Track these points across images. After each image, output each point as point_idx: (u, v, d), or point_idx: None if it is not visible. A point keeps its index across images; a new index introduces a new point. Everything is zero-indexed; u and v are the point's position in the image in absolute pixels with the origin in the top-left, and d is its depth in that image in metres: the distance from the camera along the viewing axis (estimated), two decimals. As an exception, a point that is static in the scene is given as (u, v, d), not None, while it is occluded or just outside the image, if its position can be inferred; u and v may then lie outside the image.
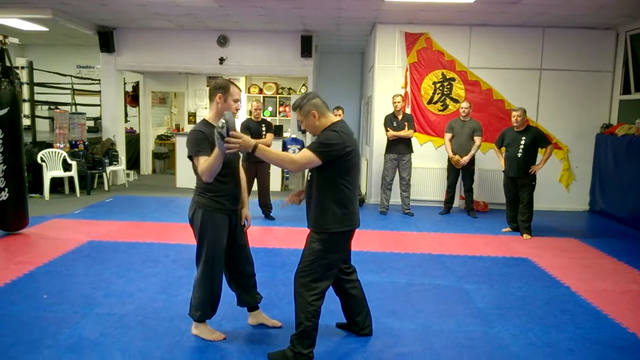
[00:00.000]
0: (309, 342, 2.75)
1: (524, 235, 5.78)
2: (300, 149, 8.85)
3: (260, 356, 2.84)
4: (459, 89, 7.45)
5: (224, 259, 2.98)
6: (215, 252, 2.89)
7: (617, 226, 6.61)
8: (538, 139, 5.71)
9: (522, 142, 5.68)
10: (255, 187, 6.35)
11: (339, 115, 6.57)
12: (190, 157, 2.81)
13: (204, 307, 2.96)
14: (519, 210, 5.84)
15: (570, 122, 7.45)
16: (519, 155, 5.69)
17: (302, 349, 2.73)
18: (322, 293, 2.76)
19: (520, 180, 5.74)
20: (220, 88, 2.89)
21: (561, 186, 7.57)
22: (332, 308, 3.30)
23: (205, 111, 11.44)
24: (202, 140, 2.77)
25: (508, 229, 6.07)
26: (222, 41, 8.47)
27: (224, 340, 3.01)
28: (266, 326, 3.22)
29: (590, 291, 4.05)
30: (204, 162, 2.71)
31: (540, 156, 5.81)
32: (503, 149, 6.00)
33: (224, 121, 2.53)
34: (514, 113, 5.77)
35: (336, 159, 2.64)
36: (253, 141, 2.67)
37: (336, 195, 2.69)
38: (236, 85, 2.96)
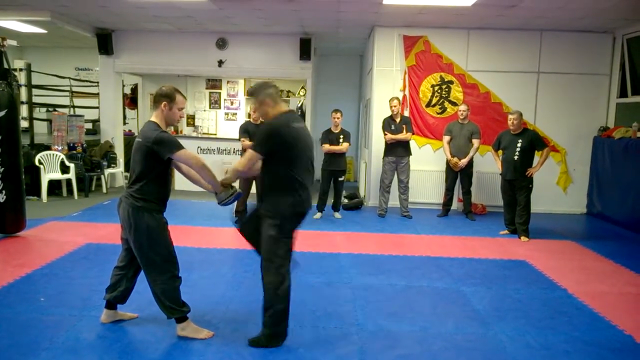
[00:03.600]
0: (282, 320, 2.95)
1: (522, 237, 5.79)
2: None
3: (258, 359, 2.84)
4: (457, 92, 7.47)
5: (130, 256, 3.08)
6: (170, 251, 2.97)
7: (615, 229, 6.62)
8: (535, 142, 5.73)
9: (519, 145, 5.71)
10: (253, 189, 6.34)
11: (337, 118, 6.59)
12: (169, 157, 2.87)
13: (175, 307, 2.98)
14: (516, 213, 5.85)
15: (568, 125, 7.48)
16: (516, 158, 5.71)
17: (276, 328, 2.95)
18: (284, 274, 2.92)
19: (517, 182, 5.76)
20: (166, 96, 2.96)
21: (559, 189, 7.59)
22: (330, 310, 3.31)
23: (204, 113, 11.45)
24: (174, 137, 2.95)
25: (506, 231, 6.08)
26: (221, 44, 8.48)
27: (221, 343, 3.01)
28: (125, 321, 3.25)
29: (588, 293, 4.06)
30: (193, 155, 2.93)
31: (537, 159, 5.83)
32: (500, 152, 6.02)
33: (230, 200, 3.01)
34: (510, 116, 5.79)
35: (273, 150, 2.84)
36: (218, 182, 2.99)
37: (282, 183, 2.87)
38: (182, 95, 3.04)
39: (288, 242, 2.93)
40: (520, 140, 5.72)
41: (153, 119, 2.99)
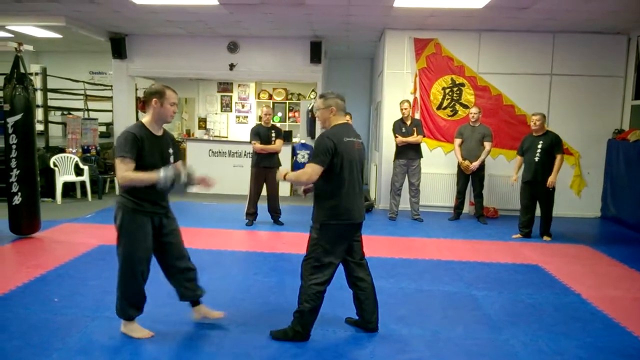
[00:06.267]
0: (306, 323, 3.04)
1: (544, 237, 5.95)
2: (309, 154, 8.86)
3: (266, 358, 2.85)
4: (468, 95, 7.43)
5: (157, 260, 3.09)
6: (133, 252, 2.93)
7: (629, 233, 6.53)
8: (554, 144, 5.75)
9: (540, 146, 5.75)
10: (264, 192, 6.37)
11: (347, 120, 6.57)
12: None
13: (124, 305, 3.00)
14: (541, 216, 5.95)
15: (582, 127, 7.39)
16: (536, 159, 5.75)
17: (300, 328, 3.04)
18: (322, 279, 3.00)
19: (537, 186, 5.80)
20: (156, 93, 2.92)
21: (572, 192, 7.50)
22: (340, 314, 3.31)
23: (216, 117, 11.54)
24: (132, 143, 2.81)
25: (518, 235, 6.05)
26: (232, 47, 8.53)
27: (232, 345, 3.02)
28: (208, 319, 3.29)
29: (602, 299, 4.00)
30: (127, 170, 2.78)
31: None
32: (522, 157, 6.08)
33: (185, 179, 2.87)
34: (533, 117, 5.85)
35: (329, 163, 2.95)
36: (284, 171, 3.17)
37: (327, 190, 2.99)
38: (172, 90, 2.99)
39: (329, 249, 2.99)
40: (541, 142, 5.75)
41: (142, 119, 2.97)
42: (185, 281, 3.20)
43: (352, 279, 3.24)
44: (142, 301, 3.07)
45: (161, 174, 2.76)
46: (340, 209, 2.98)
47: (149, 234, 2.96)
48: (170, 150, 3.04)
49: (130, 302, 3.02)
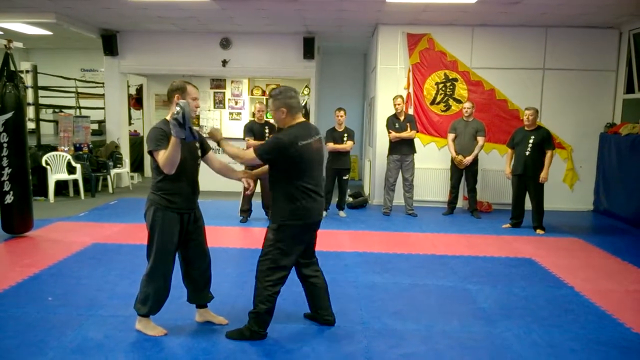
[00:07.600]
0: (263, 323, 3.02)
1: (537, 230, 5.99)
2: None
3: (263, 357, 2.84)
4: (461, 90, 7.45)
5: (180, 256, 3.09)
6: (165, 249, 2.95)
7: (622, 226, 6.58)
8: (544, 140, 5.82)
9: (531, 141, 5.83)
10: (258, 188, 6.35)
11: (341, 116, 6.58)
12: (150, 153, 2.91)
13: (150, 302, 3.01)
14: (532, 208, 6.02)
15: (574, 121, 7.43)
16: (527, 153, 5.83)
17: (257, 328, 3.02)
18: (277, 280, 2.96)
19: (527, 179, 5.89)
20: (177, 89, 2.98)
21: (565, 186, 7.55)
22: (335, 309, 3.32)
23: (209, 113, 11.48)
24: (162, 136, 2.87)
25: (508, 225, 6.20)
26: (225, 43, 8.49)
27: (228, 341, 3.02)
28: (213, 323, 3.27)
29: (595, 291, 4.03)
30: (163, 154, 2.81)
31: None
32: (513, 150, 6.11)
33: (179, 108, 2.65)
34: (526, 112, 5.92)
35: (277, 161, 2.91)
36: (220, 136, 3.22)
37: (285, 192, 2.93)
38: (193, 85, 3.05)
39: (286, 250, 2.95)
40: (532, 137, 5.83)
41: (166, 116, 2.99)
42: (202, 284, 3.21)
43: (302, 276, 3.22)
44: (165, 299, 3.07)
45: (181, 102, 2.72)
46: (299, 209, 2.92)
47: (177, 232, 2.98)
48: (197, 144, 3.08)
49: (155, 300, 3.02)
